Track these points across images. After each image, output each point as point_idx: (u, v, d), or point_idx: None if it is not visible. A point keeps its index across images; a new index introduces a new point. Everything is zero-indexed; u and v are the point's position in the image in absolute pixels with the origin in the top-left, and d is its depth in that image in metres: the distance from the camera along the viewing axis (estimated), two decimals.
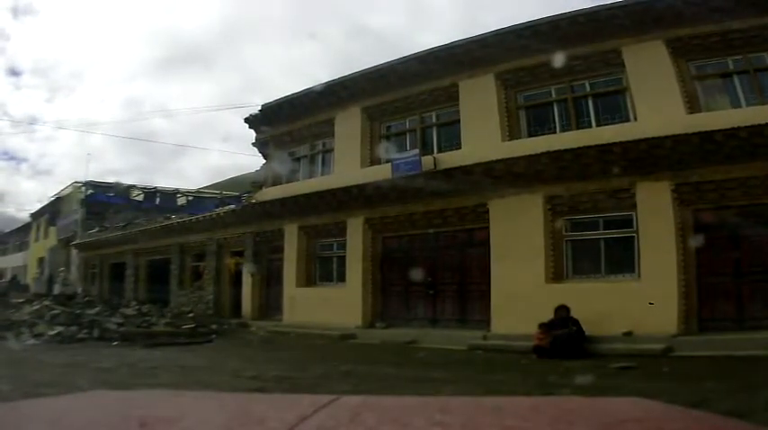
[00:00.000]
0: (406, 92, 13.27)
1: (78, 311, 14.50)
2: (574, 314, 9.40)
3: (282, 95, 16.37)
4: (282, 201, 15.00)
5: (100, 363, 8.59)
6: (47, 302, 15.93)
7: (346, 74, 14.69)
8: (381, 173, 13.03)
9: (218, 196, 32.71)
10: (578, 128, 11.15)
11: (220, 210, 19.25)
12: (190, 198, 33.66)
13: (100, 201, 30.80)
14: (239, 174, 39.97)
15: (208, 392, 3.47)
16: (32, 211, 40.11)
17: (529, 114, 12.14)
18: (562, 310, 9.50)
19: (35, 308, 15.14)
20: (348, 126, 14.50)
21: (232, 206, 18.50)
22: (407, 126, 14.08)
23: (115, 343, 11.85)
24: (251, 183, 17.99)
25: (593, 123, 11.15)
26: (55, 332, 12.38)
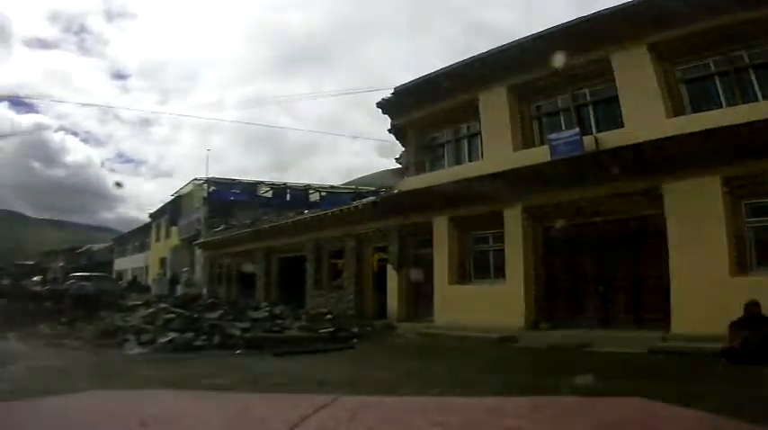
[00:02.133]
0: (553, 68, 14.95)
1: (197, 315, 15.69)
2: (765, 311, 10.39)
3: (416, 77, 18.87)
4: (428, 191, 17.44)
5: (213, 379, 8.64)
6: (163, 305, 17.89)
7: (485, 51, 16.83)
8: (537, 156, 15.08)
9: (354, 191, 36.05)
10: (744, 102, 12.38)
11: (359, 202, 22.30)
12: (323, 194, 37.61)
13: (223, 198, 35.68)
14: (370, 172, 43.90)
15: (208, 392, 4.09)
16: (151, 211, 46.45)
17: (690, 89, 13.53)
18: (753, 307, 10.25)
19: (149, 311, 16.93)
20: (494, 107, 16.80)
21: (372, 198, 21.04)
22: (559, 105, 16.09)
23: (238, 351, 12.61)
24: (392, 172, 20.45)
25: (759, 96, 12.33)
26: (167, 339, 13.26)
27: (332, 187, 42.08)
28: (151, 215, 48.05)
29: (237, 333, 13.93)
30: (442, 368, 10.39)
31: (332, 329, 15.31)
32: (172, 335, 13.47)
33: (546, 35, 15.05)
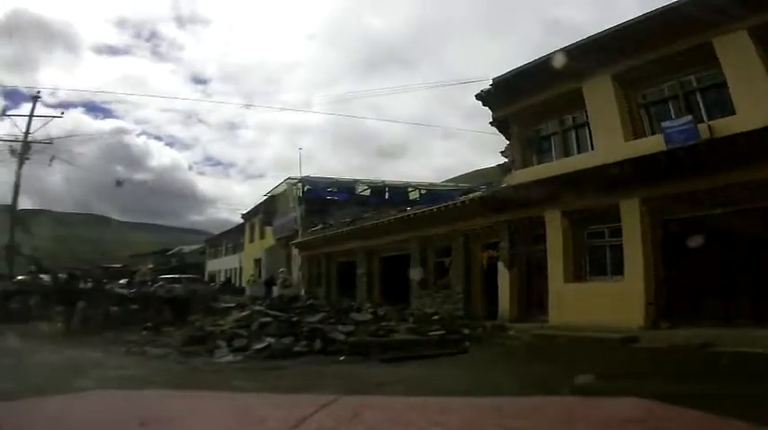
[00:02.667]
0: (655, 54, 15.42)
1: (295, 318, 15.55)
2: None
3: (515, 67, 19.64)
4: (538, 184, 18.03)
5: (318, 392, 8.56)
6: (258, 307, 17.88)
7: (583, 38, 17.35)
8: (650, 146, 15.49)
9: (454, 189, 36.96)
10: None
11: (466, 197, 23.21)
12: (422, 192, 38.67)
13: (319, 197, 37.36)
14: (463, 172, 44.89)
15: (208, 392, 4.20)
16: (244, 212, 48.79)
17: None
18: None
19: (243, 314, 16.91)
20: (600, 96, 17.39)
21: (479, 193, 21.79)
22: (666, 93, 16.50)
23: (342, 357, 12.42)
24: (499, 166, 21.15)
25: None
26: (262, 345, 13.09)
27: (431, 185, 43.09)
28: (244, 216, 50.35)
29: (341, 337, 13.81)
30: (568, 374, 9.60)
31: (442, 332, 15.20)
32: (268, 340, 13.39)
33: (646, 20, 15.41)
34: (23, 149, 34.19)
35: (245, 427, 1.64)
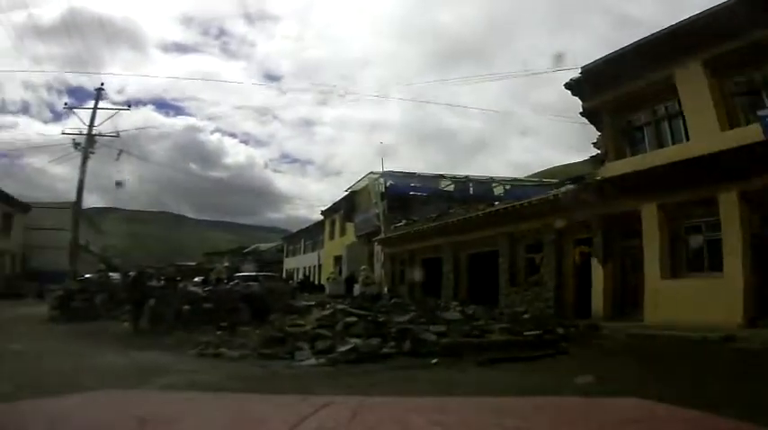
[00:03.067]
0: (747, 40, 15.50)
1: (382, 318, 15.43)
2: None
3: (604, 55, 19.99)
4: (633, 177, 18.36)
5: None
6: (341, 306, 17.78)
7: (672, 24, 17.54)
8: (749, 135, 15.49)
9: (539, 184, 37.33)
10: None
11: (557, 191, 23.62)
12: (507, 187, 39.17)
13: (401, 193, 38.03)
14: (545, 167, 45.27)
15: (208, 393, 4.39)
16: (323, 208, 50.09)
17: None
18: None
19: (325, 313, 16.77)
20: (692, 84, 17.58)
21: (571, 186, 22.22)
22: (758, 79, 16.53)
23: (434, 360, 12.10)
24: (591, 158, 21.53)
25: None
26: (348, 347, 12.78)
27: (515, 180, 43.42)
28: (324, 212, 51.55)
29: (432, 338, 13.61)
30: (684, 380, 9.31)
31: (538, 332, 14.99)
32: (353, 341, 13.14)
33: (736, 3, 15.50)
34: (88, 143, 34.95)
35: (245, 427, 1.73)
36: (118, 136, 35.72)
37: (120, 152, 36.04)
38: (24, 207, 50.77)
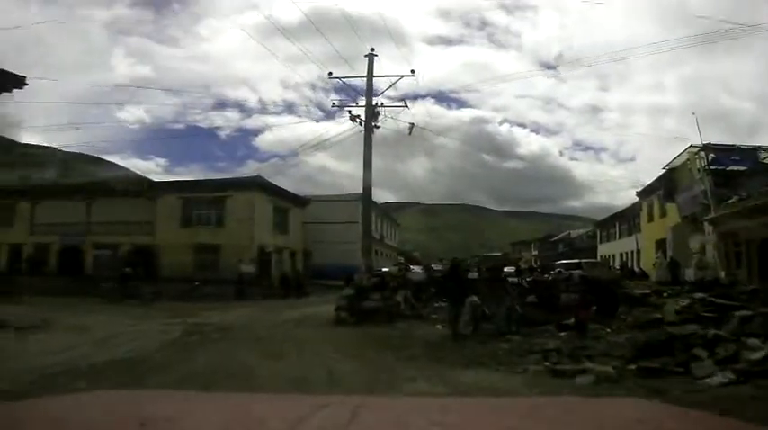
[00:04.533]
0: None
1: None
2: None
3: None
4: None
5: None
6: (698, 295, 15.42)
7: None
8: None
9: None
10: None
11: None
12: None
13: (722, 166, 35.10)
14: None
15: (208, 393, 4.39)
16: (639, 189, 48.37)
17: None
18: None
19: (682, 304, 14.52)
20: None
21: None
22: None
23: None
24: None
25: None
26: (761, 354, 9.69)
27: None
28: (638, 194, 49.79)
29: None
30: None
31: None
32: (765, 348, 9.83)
33: None
34: (369, 115, 30.26)
35: (245, 427, 1.73)
36: (406, 106, 32.23)
37: (412, 126, 32.66)
38: (302, 202, 49.21)
